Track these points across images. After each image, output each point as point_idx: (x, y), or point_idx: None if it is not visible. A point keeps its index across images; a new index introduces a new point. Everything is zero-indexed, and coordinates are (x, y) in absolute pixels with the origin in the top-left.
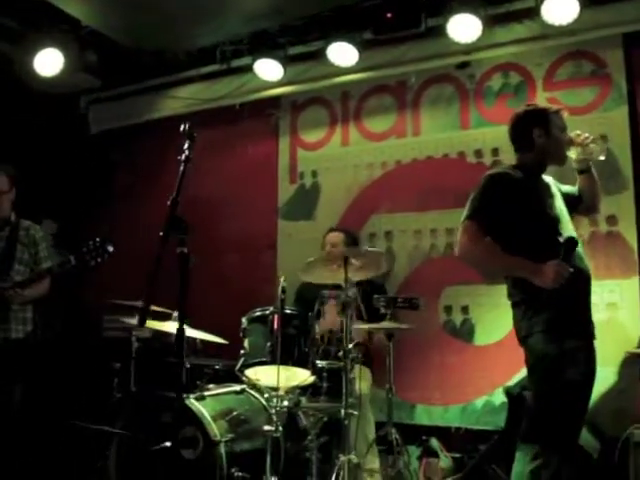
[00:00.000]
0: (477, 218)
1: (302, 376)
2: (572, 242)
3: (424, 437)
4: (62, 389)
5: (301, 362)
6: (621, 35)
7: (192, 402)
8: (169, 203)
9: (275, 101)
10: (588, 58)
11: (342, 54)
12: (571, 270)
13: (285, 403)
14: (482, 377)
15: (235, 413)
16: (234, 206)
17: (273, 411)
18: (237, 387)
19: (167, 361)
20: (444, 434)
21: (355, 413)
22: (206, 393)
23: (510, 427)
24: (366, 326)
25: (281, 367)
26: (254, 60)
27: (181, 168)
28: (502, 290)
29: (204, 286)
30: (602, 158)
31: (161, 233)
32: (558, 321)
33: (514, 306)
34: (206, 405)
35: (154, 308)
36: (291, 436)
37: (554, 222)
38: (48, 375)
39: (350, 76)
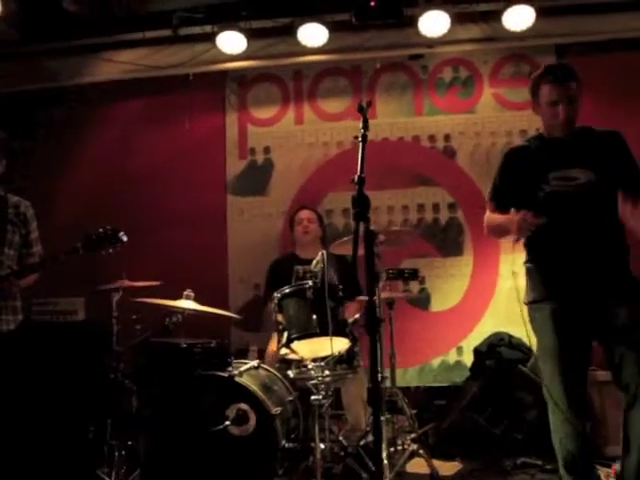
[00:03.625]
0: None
1: (341, 345)
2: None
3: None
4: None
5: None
6: (554, 45)
7: (238, 379)
8: (355, 180)
9: (222, 75)
10: (525, 61)
11: (313, 34)
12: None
13: (327, 372)
14: (438, 340)
15: (272, 387)
16: (179, 179)
17: (315, 381)
18: (254, 362)
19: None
20: (404, 393)
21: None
22: (241, 369)
23: (478, 380)
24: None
25: (325, 338)
26: (213, 30)
27: (360, 146)
28: (455, 262)
29: (152, 261)
30: None
31: (357, 210)
32: None
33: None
34: (249, 381)
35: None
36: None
37: None
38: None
39: (316, 57)
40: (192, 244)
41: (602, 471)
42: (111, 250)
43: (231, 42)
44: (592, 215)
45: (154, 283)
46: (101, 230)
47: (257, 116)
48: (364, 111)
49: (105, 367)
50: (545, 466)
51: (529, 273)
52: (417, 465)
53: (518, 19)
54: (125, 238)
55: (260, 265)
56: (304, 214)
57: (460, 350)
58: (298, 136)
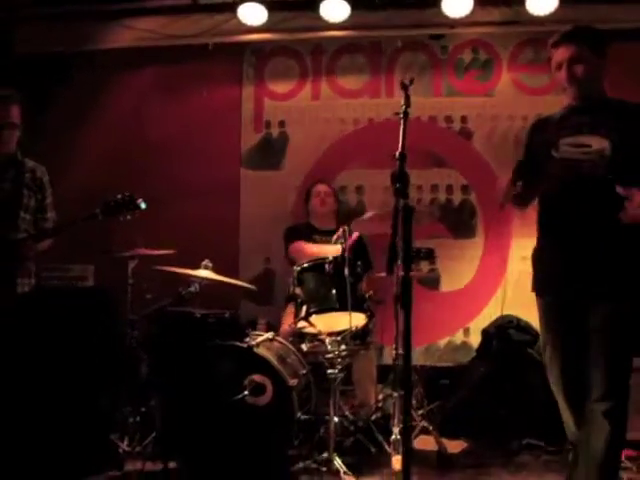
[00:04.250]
0: None
1: (358, 320)
2: None
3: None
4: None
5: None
6: None
7: (256, 350)
8: (397, 156)
9: (241, 46)
10: (544, 47)
11: (334, 9)
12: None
13: (343, 347)
14: (445, 320)
15: (286, 359)
16: (194, 149)
17: (332, 355)
18: (269, 334)
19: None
20: None
21: (401, 352)
22: (258, 340)
23: (485, 361)
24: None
25: (343, 313)
26: (234, 0)
27: (401, 122)
28: (466, 243)
29: (165, 231)
30: None
31: (397, 185)
32: None
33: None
34: (266, 352)
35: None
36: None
37: None
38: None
39: (336, 32)
40: (205, 215)
41: None
42: (129, 216)
43: (252, 13)
44: (601, 188)
45: (169, 252)
46: (119, 196)
47: (274, 89)
48: (407, 88)
49: (117, 334)
50: (549, 447)
51: (532, 258)
52: (424, 442)
53: (541, 3)
54: (144, 205)
55: (271, 238)
56: (321, 187)
57: (467, 331)
58: (314, 111)
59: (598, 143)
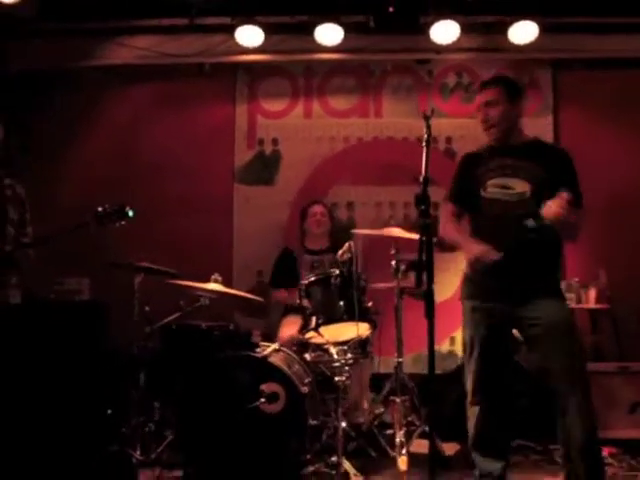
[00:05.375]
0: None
1: (363, 330)
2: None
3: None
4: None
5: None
6: (551, 59)
7: (270, 359)
8: (421, 180)
9: (235, 65)
10: (524, 72)
11: (329, 34)
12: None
13: (349, 355)
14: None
15: (292, 368)
16: (187, 165)
17: (338, 363)
18: (275, 345)
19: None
20: None
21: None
22: (269, 350)
23: None
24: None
25: (348, 323)
26: (232, 22)
27: (424, 149)
28: (451, 256)
29: (159, 246)
30: None
31: (422, 207)
32: None
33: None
34: (278, 361)
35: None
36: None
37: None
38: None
39: (329, 55)
40: (199, 230)
41: None
42: (117, 225)
43: (249, 35)
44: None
45: (172, 271)
46: (107, 206)
47: (267, 108)
48: (428, 119)
49: (113, 347)
50: (537, 447)
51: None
52: (421, 445)
53: (522, 33)
54: (132, 213)
55: (264, 253)
56: (318, 208)
57: (453, 340)
58: (306, 130)
59: (520, 186)
